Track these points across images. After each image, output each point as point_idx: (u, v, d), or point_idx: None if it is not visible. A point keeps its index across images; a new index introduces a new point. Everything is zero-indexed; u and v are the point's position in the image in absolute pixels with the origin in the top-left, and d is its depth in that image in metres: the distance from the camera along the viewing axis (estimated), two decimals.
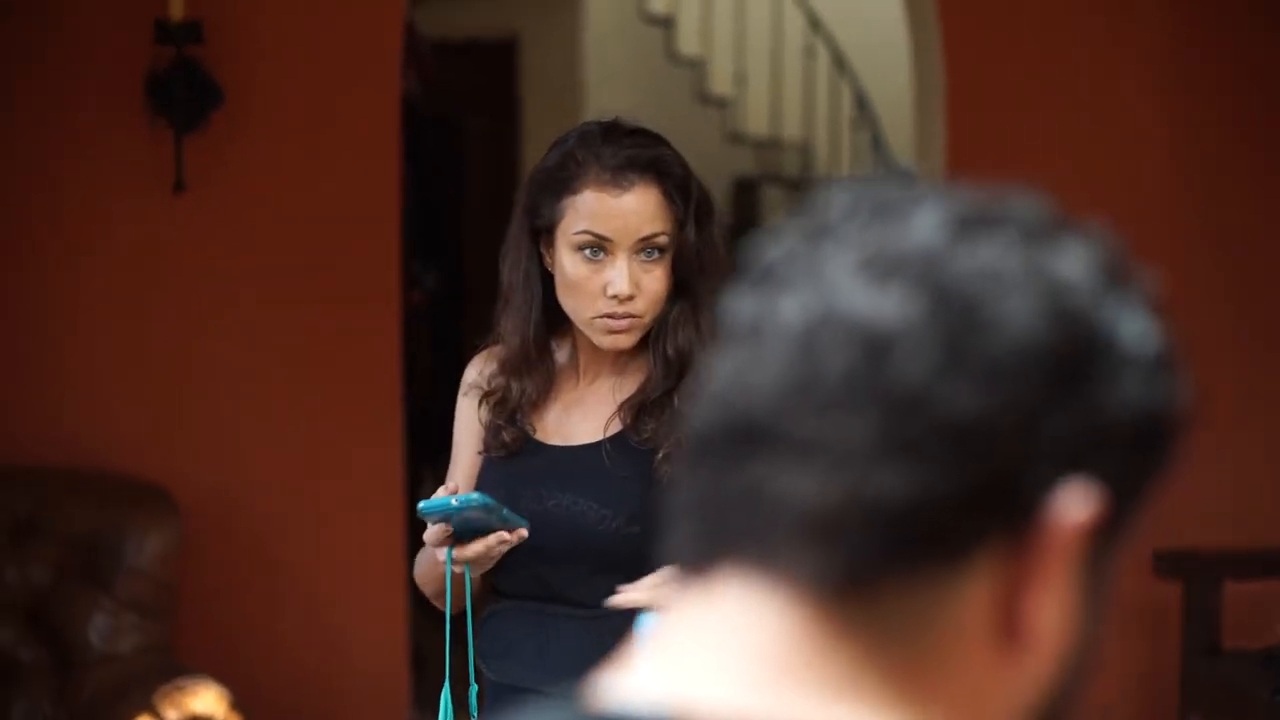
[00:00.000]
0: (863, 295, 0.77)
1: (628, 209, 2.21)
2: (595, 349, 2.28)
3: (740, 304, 0.80)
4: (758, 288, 0.80)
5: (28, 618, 4.38)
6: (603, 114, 2.34)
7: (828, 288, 0.78)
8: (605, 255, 2.22)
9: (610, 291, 2.20)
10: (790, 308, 0.78)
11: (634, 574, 2.19)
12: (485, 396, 2.34)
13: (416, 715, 4.68)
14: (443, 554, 2.17)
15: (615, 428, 2.25)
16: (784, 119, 8.02)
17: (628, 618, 2.20)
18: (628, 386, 2.29)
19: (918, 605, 0.76)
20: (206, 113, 4.84)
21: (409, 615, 4.72)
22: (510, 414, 2.32)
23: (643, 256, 2.23)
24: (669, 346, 2.25)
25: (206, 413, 4.67)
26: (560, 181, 2.23)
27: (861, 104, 7.80)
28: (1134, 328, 0.79)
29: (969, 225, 0.79)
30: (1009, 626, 0.77)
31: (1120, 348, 0.78)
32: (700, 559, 0.78)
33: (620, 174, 2.21)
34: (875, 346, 0.75)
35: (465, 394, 2.38)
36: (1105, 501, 0.78)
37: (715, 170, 8.01)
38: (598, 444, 2.25)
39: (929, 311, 0.76)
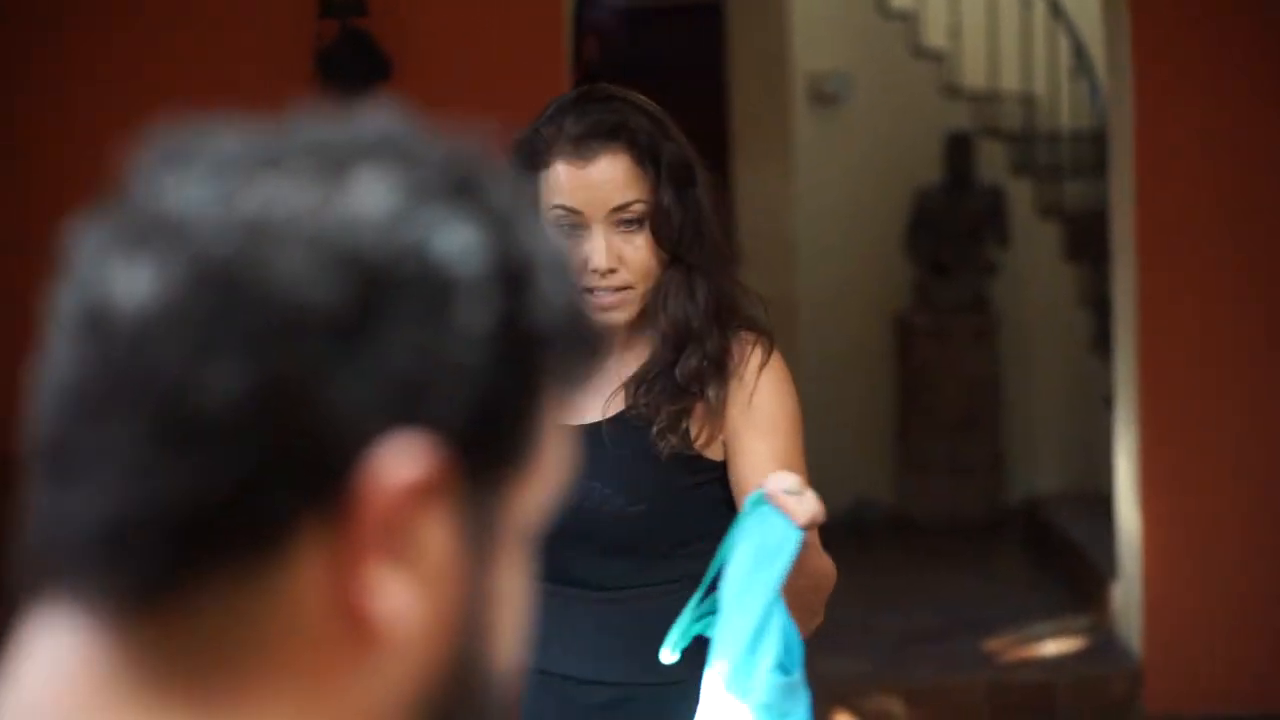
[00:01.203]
0: (115, 274, 0.68)
1: (595, 179, 2.13)
2: (604, 326, 2.22)
3: (55, 293, 0.71)
4: (64, 270, 0.70)
5: None
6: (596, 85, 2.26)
7: (85, 267, 0.69)
8: (581, 229, 2.14)
9: (590, 266, 2.13)
10: (65, 295, 0.69)
11: (644, 555, 2.14)
12: None
13: None
14: None
15: (616, 406, 2.19)
16: (1001, 71, 7.78)
17: (639, 601, 2.15)
18: (632, 363, 2.23)
19: (237, 609, 0.67)
20: (373, 85, 4.89)
21: None
22: None
23: (621, 227, 2.14)
24: (664, 319, 2.17)
25: None
26: (532, 156, 2.17)
27: (1079, 53, 7.54)
28: (452, 247, 0.69)
29: (235, 173, 0.69)
30: (350, 615, 0.68)
31: (435, 274, 0.68)
32: (29, 594, 0.70)
33: (583, 144, 2.13)
34: (125, 336, 0.67)
35: None
36: (446, 453, 0.68)
37: (929, 125, 7.83)
38: (599, 423, 2.19)
39: (184, 286, 0.67)
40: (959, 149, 7.77)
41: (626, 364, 2.22)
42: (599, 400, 2.20)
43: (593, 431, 2.17)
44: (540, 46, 5.02)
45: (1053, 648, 5.53)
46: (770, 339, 2.19)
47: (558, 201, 2.14)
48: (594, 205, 2.13)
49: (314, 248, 0.67)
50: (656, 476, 2.13)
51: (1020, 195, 7.78)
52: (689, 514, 2.15)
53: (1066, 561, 6.41)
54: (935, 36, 7.87)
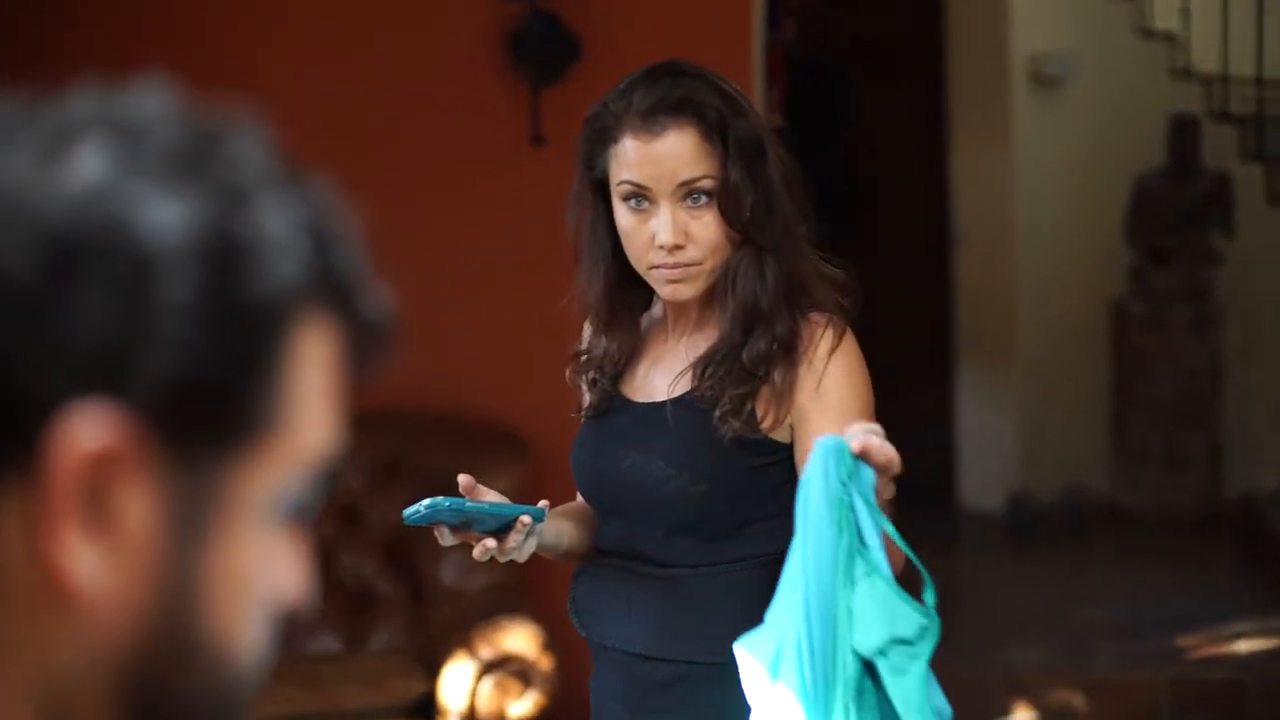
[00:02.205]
0: None
1: (662, 154, 2.11)
2: (679, 305, 2.22)
3: None
4: None
5: (387, 554, 4.60)
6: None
7: None
8: (649, 204, 2.13)
9: (656, 242, 2.12)
10: None
11: (707, 535, 2.13)
12: (573, 357, 2.31)
13: None
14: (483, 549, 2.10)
15: (682, 387, 2.18)
16: (1233, 54, 7.55)
17: (702, 580, 2.15)
18: (701, 344, 2.21)
19: None
20: (564, 66, 4.94)
21: None
22: (597, 373, 2.27)
23: (689, 202, 2.12)
24: (732, 300, 2.15)
25: (556, 360, 4.78)
26: (602, 131, 2.17)
27: None
28: (155, 222, 0.70)
29: None
30: (47, 575, 0.70)
31: (134, 248, 0.70)
32: None
33: (650, 118, 2.11)
34: None
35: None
36: (142, 424, 0.70)
37: (1154, 108, 7.62)
38: (663, 403, 2.19)
39: None
40: (1184, 133, 7.56)
41: (696, 344, 2.21)
42: (666, 380, 2.21)
43: (657, 410, 2.18)
44: (730, 26, 5.02)
45: (1247, 646, 5.37)
46: (844, 321, 2.16)
47: (625, 177, 2.13)
48: (661, 180, 2.11)
49: (13, 219, 0.70)
50: (719, 458, 2.12)
51: (1249, 182, 7.53)
52: (752, 495, 2.14)
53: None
54: (1164, 18, 7.67)
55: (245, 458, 0.74)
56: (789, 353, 2.12)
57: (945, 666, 5.49)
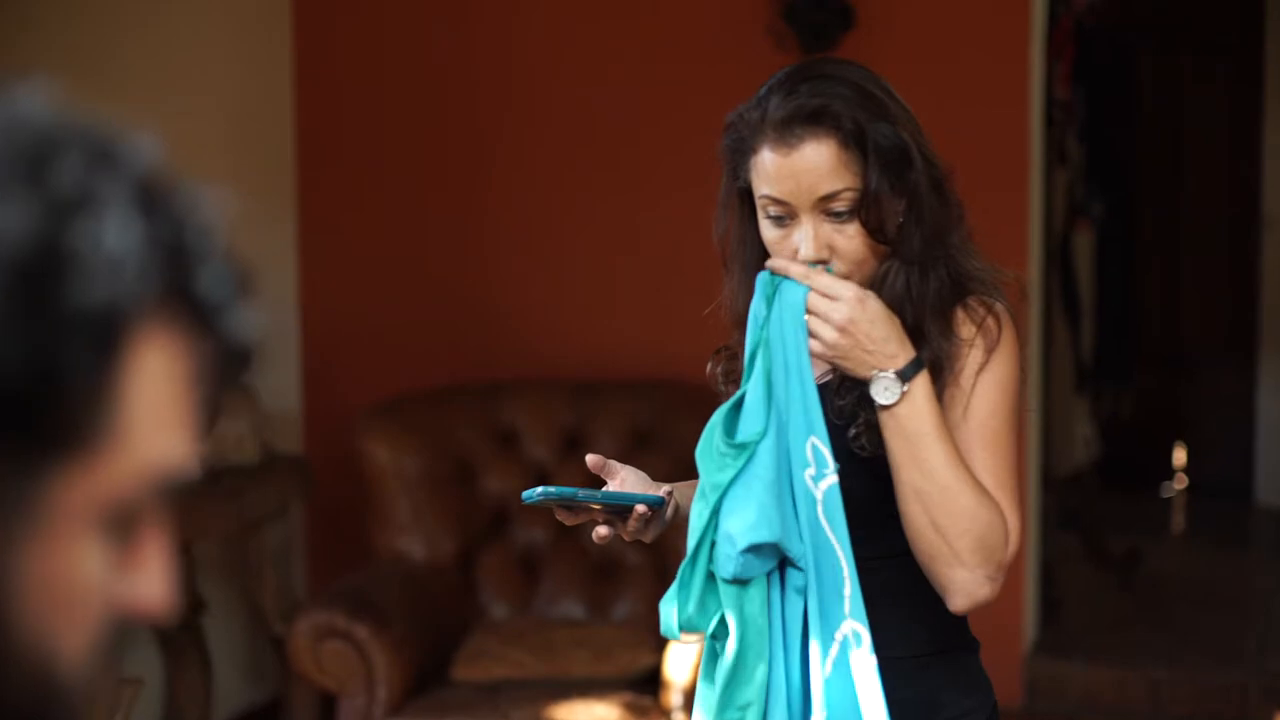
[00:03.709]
0: None
1: (799, 168, 2.01)
2: None
3: None
4: None
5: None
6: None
7: None
8: (790, 219, 2.03)
9: (799, 257, 2.02)
10: None
11: (863, 527, 2.06)
12: (715, 354, 2.26)
13: None
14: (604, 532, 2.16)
15: (827, 376, 2.11)
16: None
17: (863, 575, 2.08)
18: None
19: None
20: (837, 34, 4.87)
21: None
22: (737, 374, 2.22)
23: (830, 216, 2.02)
24: None
25: None
26: (740, 141, 2.07)
27: None
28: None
29: None
30: None
31: None
32: None
33: (786, 129, 2.01)
34: None
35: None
36: None
37: None
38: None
39: None
40: None
41: None
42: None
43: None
44: (1006, 3, 4.88)
45: None
46: (995, 331, 2.05)
47: (765, 191, 2.05)
48: (800, 194, 2.02)
49: None
50: (860, 465, 2.06)
51: None
52: (882, 493, 2.06)
53: None
54: None
55: (69, 467, 0.74)
56: (938, 374, 2.03)
57: (1208, 666, 5.30)
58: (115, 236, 0.73)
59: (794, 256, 2.04)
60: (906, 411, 1.98)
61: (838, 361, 2.00)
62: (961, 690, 2.16)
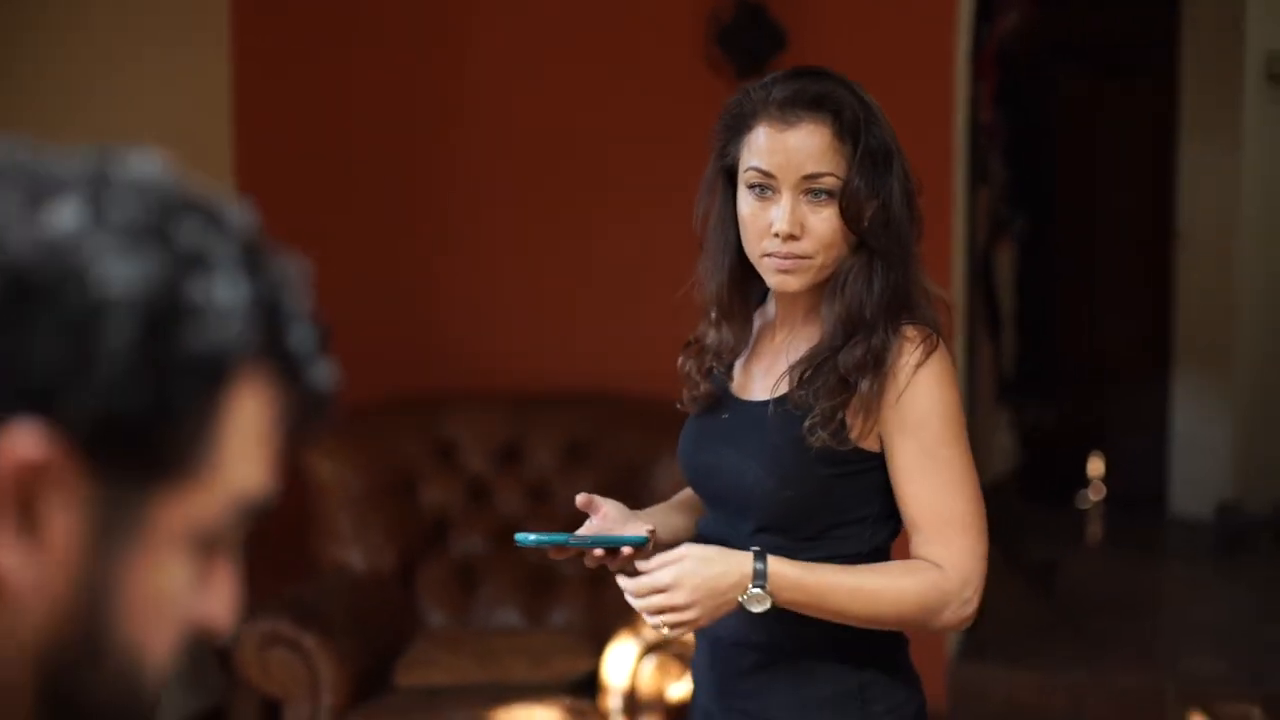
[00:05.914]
0: None
1: (792, 144, 2.15)
2: (789, 303, 2.27)
3: None
4: None
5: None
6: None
7: None
8: (772, 193, 2.18)
9: (773, 229, 2.17)
10: None
11: (794, 535, 2.18)
12: (686, 346, 2.37)
13: None
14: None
15: (783, 388, 2.23)
16: None
17: None
18: (803, 345, 2.26)
19: None
20: (769, 55, 4.99)
21: None
22: (707, 365, 2.34)
23: (810, 197, 2.17)
24: (838, 302, 2.19)
25: None
26: (739, 118, 2.21)
27: None
28: (112, 274, 0.81)
29: None
30: None
31: (89, 293, 0.80)
32: None
33: (788, 108, 2.16)
34: None
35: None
36: (69, 446, 0.80)
37: None
38: (764, 403, 2.24)
39: None
40: None
41: (798, 346, 2.26)
42: (769, 379, 2.26)
43: (757, 410, 2.24)
44: (935, 19, 5.01)
45: None
46: (935, 338, 2.18)
47: (753, 163, 2.18)
48: (787, 170, 2.16)
49: None
50: (807, 465, 2.16)
51: None
52: (839, 500, 2.19)
53: None
54: None
55: (170, 491, 0.85)
56: (879, 364, 2.15)
57: (1126, 671, 5.41)
58: (225, 292, 0.85)
59: (767, 230, 2.17)
60: (788, 594, 2.11)
61: (708, 619, 2.11)
62: (893, 683, 2.28)
